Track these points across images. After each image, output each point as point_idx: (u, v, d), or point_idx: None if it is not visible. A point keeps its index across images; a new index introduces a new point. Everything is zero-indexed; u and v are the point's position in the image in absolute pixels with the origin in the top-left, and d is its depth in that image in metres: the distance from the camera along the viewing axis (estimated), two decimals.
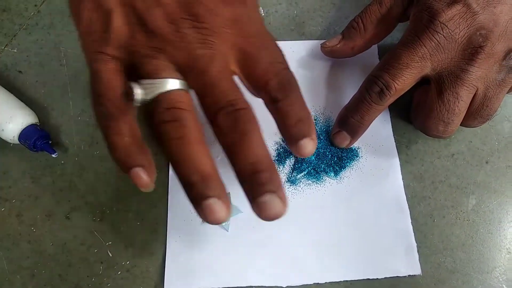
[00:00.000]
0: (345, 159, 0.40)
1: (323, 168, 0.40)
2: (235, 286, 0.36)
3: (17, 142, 0.39)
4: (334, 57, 0.43)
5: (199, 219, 0.38)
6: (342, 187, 0.40)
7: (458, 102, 0.35)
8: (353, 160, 0.41)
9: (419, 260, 0.37)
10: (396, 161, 0.41)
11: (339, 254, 0.38)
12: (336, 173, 0.40)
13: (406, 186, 0.40)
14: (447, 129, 0.36)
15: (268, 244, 0.38)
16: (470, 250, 0.38)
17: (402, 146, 0.42)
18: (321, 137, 0.41)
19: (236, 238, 0.38)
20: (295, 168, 0.40)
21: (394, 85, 0.35)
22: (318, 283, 0.37)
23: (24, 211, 0.39)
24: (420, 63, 0.35)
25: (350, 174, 0.40)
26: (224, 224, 0.38)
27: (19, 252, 0.38)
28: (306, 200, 0.39)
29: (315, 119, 0.42)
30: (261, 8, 0.47)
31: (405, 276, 0.37)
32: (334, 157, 0.40)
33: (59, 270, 0.37)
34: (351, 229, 0.38)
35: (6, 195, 0.40)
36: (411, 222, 0.39)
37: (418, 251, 0.38)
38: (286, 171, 0.40)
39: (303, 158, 0.39)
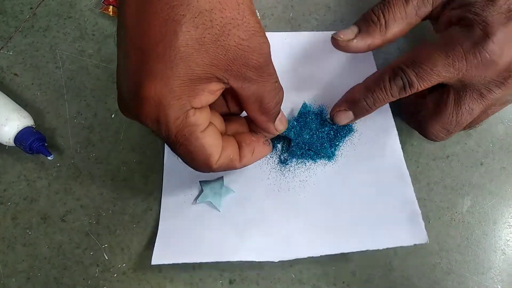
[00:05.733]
0: (339, 134, 0.41)
1: (318, 146, 0.40)
2: (226, 260, 0.36)
3: (13, 144, 0.39)
4: (345, 51, 0.40)
5: (191, 201, 0.39)
6: (338, 160, 0.40)
7: (469, 117, 0.34)
8: (348, 134, 0.41)
9: (415, 261, 0.38)
10: (393, 130, 0.41)
11: (334, 227, 0.37)
12: (332, 154, 0.40)
13: None
14: (447, 136, 0.36)
15: (260, 222, 0.38)
16: (466, 251, 0.38)
17: None
18: (315, 119, 0.41)
19: (228, 217, 0.38)
20: (290, 150, 0.40)
21: (418, 87, 0.34)
22: (312, 256, 0.36)
23: (20, 214, 0.39)
24: (452, 74, 0.33)
25: (345, 147, 0.41)
26: (216, 204, 0.38)
27: (14, 255, 0.38)
28: (301, 177, 0.40)
29: (308, 105, 0.43)
30: (257, 11, 0.47)
31: (410, 246, 0.36)
32: (330, 132, 0.41)
33: (54, 273, 0.37)
34: (347, 201, 0.38)
35: (1, 198, 0.39)
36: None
37: (414, 252, 0.38)
38: (278, 154, 0.41)
39: (298, 138, 0.40)
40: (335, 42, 0.39)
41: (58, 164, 0.41)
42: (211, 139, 0.30)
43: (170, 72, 0.26)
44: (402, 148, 0.42)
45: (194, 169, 0.31)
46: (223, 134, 0.33)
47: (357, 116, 0.39)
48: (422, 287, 0.37)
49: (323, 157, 0.40)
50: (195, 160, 0.30)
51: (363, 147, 0.41)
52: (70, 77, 0.44)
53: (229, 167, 0.33)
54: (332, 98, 0.41)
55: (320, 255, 0.36)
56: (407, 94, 0.35)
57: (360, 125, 0.41)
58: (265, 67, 0.29)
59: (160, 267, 0.37)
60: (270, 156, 0.41)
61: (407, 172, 0.39)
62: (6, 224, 0.39)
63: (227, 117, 0.35)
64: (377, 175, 0.39)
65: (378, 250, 0.37)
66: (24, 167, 0.41)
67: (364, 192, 0.39)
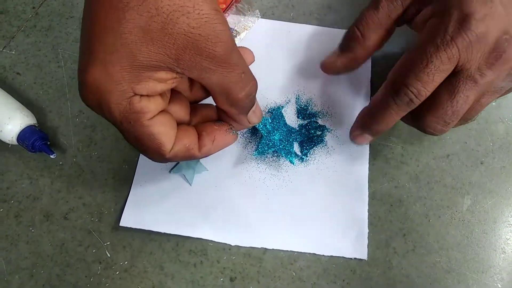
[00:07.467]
0: (314, 138, 0.42)
1: (284, 151, 0.40)
2: (186, 235, 0.38)
3: (16, 143, 0.39)
4: (333, 73, 0.41)
5: (166, 170, 0.40)
6: (309, 163, 0.41)
7: (465, 105, 0.33)
8: (323, 138, 0.42)
9: (414, 259, 0.38)
10: (366, 149, 0.42)
11: (292, 225, 0.39)
12: (304, 154, 0.41)
13: (401, 187, 0.40)
14: (445, 128, 0.35)
15: (226, 204, 0.39)
16: (466, 250, 0.39)
17: (398, 147, 0.42)
18: (286, 124, 0.42)
19: (197, 193, 0.40)
20: (258, 148, 0.40)
21: (426, 93, 0.33)
22: (265, 248, 0.38)
23: (23, 211, 0.39)
24: (449, 65, 0.32)
25: (319, 152, 0.42)
26: (188, 178, 0.40)
27: (18, 253, 0.38)
28: (272, 171, 0.41)
29: (296, 98, 0.44)
30: (257, 10, 0.47)
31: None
32: (300, 140, 0.42)
33: (57, 271, 0.37)
34: (311, 205, 0.40)
35: (4, 196, 0.40)
36: (404, 221, 0.39)
37: (414, 251, 0.38)
38: (257, 142, 0.42)
39: (269, 137, 0.40)
40: (322, 67, 0.41)
41: (61, 163, 0.41)
42: (161, 128, 0.29)
43: (109, 58, 0.26)
44: (402, 147, 0.42)
45: (148, 158, 0.31)
46: (184, 124, 0.33)
47: (375, 135, 0.38)
48: (422, 285, 0.37)
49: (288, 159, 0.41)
50: (145, 148, 0.30)
51: (337, 156, 0.41)
52: (72, 76, 0.44)
53: (188, 157, 0.32)
54: (321, 92, 0.44)
55: (273, 249, 0.38)
56: (417, 104, 0.34)
57: (335, 133, 0.42)
58: (225, 56, 0.28)
59: (162, 265, 0.37)
60: (250, 142, 0.42)
61: (367, 194, 0.40)
62: (9, 222, 0.39)
63: (197, 105, 0.35)
64: (341, 189, 0.40)
65: (377, 248, 0.38)
66: (27, 166, 0.41)
67: (326, 200, 0.40)
